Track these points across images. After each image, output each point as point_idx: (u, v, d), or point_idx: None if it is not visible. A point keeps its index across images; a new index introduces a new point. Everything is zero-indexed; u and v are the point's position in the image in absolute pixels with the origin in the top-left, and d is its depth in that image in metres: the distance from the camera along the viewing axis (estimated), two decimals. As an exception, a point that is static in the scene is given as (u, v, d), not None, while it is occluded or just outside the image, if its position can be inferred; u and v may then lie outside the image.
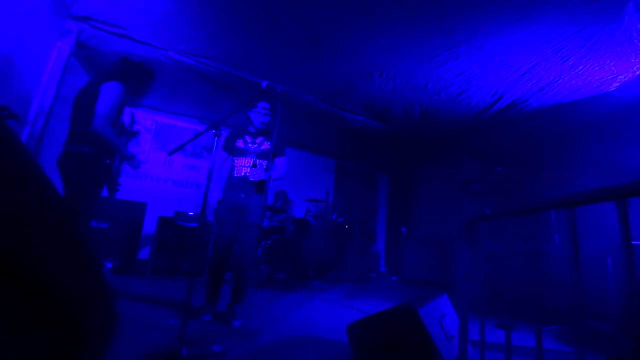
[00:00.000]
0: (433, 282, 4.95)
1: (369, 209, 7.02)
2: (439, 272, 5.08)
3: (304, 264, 4.44)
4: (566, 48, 2.75)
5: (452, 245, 5.03)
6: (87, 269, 0.41)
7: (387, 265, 6.68)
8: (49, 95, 2.83)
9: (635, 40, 2.59)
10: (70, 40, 2.96)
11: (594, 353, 1.97)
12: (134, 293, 2.80)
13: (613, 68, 2.95)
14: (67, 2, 2.76)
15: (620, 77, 3.07)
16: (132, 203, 3.97)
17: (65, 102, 2.22)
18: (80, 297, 0.38)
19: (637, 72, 2.98)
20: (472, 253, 1.63)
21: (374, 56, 3.18)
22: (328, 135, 5.46)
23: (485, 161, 5.06)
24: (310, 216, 5.24)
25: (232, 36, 3.06)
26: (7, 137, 0.30)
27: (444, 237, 5.27)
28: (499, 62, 3.05)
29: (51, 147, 2.96)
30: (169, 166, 5.01)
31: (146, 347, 1.63)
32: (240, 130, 2.58)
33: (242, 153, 2.48)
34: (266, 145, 2.52)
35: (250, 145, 2.52)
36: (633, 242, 0.86)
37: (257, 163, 2.45)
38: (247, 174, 2.39)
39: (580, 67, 2.99)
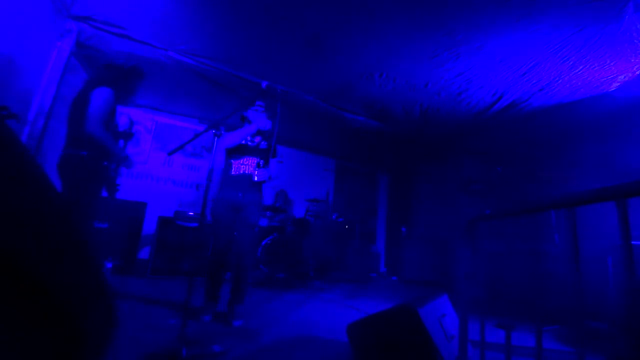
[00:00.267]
0: (433, 282, 4.95)
1: (369, 208, 7.02)
2: (439, 272, 5.07)
3: (304, 263, 4.44)
4: (566, 48, 2.75)
5: (452, 245, 5.03)
6: (87, 269, 0.41)
7: (387, 265, 6.68)
8: (49, 95, 2.83)
9: (635, 40, 2.59)
10: (70, 40, 2.96)
11: (594, 353, 1.97)
12: (134, 293, 2.80)
13: (613, 68, 2.95)
14: (67, 2, 2.76)
15: (620, 77, 3.06)
16: (132, 203, 3.97)
17: (65, 102, 2.24)
18: (80, 297, 0.38)
19: (637, 72, 2.98)
20: (472, 253, 1.63)
21: (374, 56, 3.18)
22: (328, 135, 5.46)
23: (485, 161, 5.06)
24: (310, 216, 5.24)
25: (232, 36, 3.06)
26: (7, 137, 0.30)
27: (444, 237, 5.27)
28: (499, 62, 3.05)
29: (51, 147, 2.96)
30: (169, 166, 5.00)
31: (146, 347, 1.63)
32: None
33: (241, 152, 2.48)
34: (263, 145, 2.54)
35: (249, 144, 2.52)
36: (633, 242, 0.86)
37: (260, 163, 2.47)
38: (249, 173, 2.41)
39: (580, 67, 2.99)
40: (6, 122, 0.31)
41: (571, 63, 2.94)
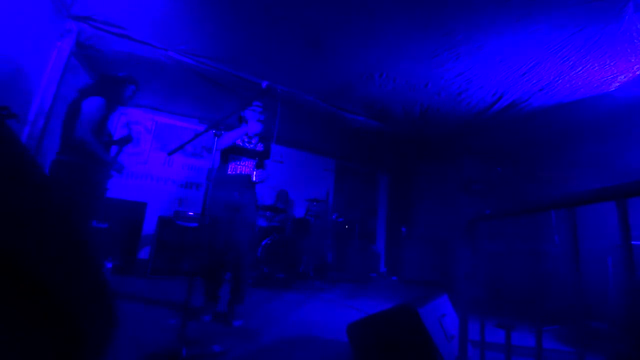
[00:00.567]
0: (433, 282, 4.95)
1: (369, 208, 7.02)
2: (439, 272, 5.07)
3: (304, 263, 4.44)
4: (566, 48, 2.75)
5: (452, 245, 5.03)
6: (87, 269, 0.41)
7: (387, 265, 6.68)
8: (49, 95, 2.83)
9: (635, 40, 2.59)
10: (70, 40, 2.95)
11: (594, 353, 1.97)
12: (134, 293, 2.80)
13: (613, 68, 2.95)
14: (67, 2, 2.76)
15: (620, 77, 3.06)
16: (132, 203, 3.97)
17: (65, 102, 2.25)
18: (80, 297, 0.38)
19: (637, 72, 2.98)
20: (472, 253, 1.63)
21: (374, 56, 3.18)
22: (328, 135, 5.46)
23: (485, 161, 5.06)
24: (310, 216, 5.24)
25: (232, 36, 3.06)
26: (7, 137, 0.30)
27: (444, 237, 5.27)
28: (499, 62, 3.05)
29: (51, 147, 2.96)
30: (169, 166, 5.01)
31: (146, 347, 1.63)
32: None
33: (239, 152, 2.48)
34: (260, 147, 2.54)
35: (247, 144, 2.52)
36: (633, 242, 0.86)
37: (259, 164, 2.48)
38: (247, 173, 2.41)
39: (580, 67, 2.98)
40: (6, 122, 0.31)
41: (571, 63, 2.94)
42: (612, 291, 2.55)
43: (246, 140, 2.52)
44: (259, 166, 2.48)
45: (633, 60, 2.82)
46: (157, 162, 4.93)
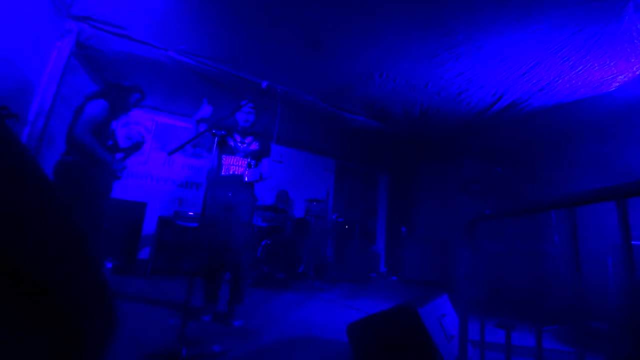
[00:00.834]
0: (433, 282, 4.95)
1: (369, 208, 7.02)
2: (439, 272, 5.07)
3: (304, 263, 4.44)
4: (566, 48, 2.75)
5: (452, 245, 5.03)
6: (87, 269, 0.41)
7: (387, 265, 6.68)
8: (49, 95, 2.83)
9: (635, 40, 2.59)
10: (70, 40, 2.95)
11: (594, 353, 1.97)
12: (134, 293, 2.80)
13: (613, 68, 2.95)
14: (67, 2, 2.76)
15: (620, 77, 3.06)
16: (132, 203, 3.97)
17: (65, 102, 2.26)
18: (80, 297, 0.38)
19: (637, 72, 2.98)
20: (472, 253, 1.63)
21: (374, 56, 3.17)
22: (328, 135, 5.46)
23: (485, 161, 5.06)
24: (310, 216, 5.24)
25: (232, 36, 3.06)
26: (7, 137, 0.30)
27: (444, 237, 5.27)
28: (499, 62, 3.05)
29: (51, 147, 2.96)
30: (169, 166, 5.00)
31: (146, 347, 1.63)
32: (229, 129, 2.56)
33: (232, 152, 2.48)
34: (255, 146, 2.53)
35: (239, 144, 2.51)
36: (633, 242, 0.86)
37: (252, 163, 2.47)
38: (239, 174, 2.41)
39: (580, 67, 2.99)
40: (6, 122, 0.31)
41: (571, 63, 2.94)
42: (612, 291, 2.55)
43: (239, 140, 2.52)
44: (250, 166, 2.47)
45: (633, 60, 2.82)
46: (157, 162, 4.93)
